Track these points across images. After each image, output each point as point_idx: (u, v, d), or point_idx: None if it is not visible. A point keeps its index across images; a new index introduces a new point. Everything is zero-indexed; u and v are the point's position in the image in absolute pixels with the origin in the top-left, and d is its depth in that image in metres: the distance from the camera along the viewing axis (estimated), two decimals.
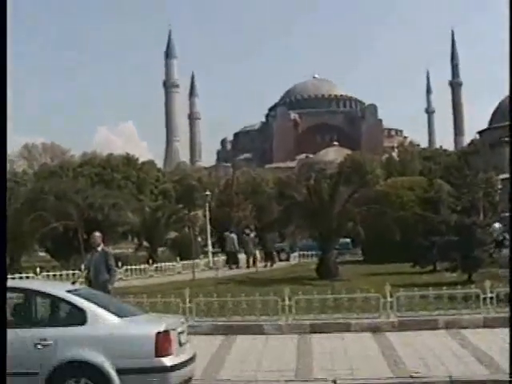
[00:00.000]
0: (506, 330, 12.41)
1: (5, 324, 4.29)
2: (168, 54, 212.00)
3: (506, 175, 68.20)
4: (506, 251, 28.78)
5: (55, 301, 8.62)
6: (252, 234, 38.62)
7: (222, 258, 39.13)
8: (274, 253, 38.44)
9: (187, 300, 14.14)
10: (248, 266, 34.93)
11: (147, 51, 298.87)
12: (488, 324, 13.02)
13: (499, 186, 55.68)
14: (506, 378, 8.95)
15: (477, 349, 10.92)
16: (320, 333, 12.96)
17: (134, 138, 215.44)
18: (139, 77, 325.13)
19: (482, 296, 13.53)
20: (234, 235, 38.08)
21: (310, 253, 38.66)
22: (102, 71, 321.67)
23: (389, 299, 13.60)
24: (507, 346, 10.99)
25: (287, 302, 13.74)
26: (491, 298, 13.52)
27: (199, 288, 18.70)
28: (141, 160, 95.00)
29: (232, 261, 36.33)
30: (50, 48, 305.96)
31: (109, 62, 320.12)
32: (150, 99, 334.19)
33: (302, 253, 40.81)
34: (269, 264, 36.24)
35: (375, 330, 13.07)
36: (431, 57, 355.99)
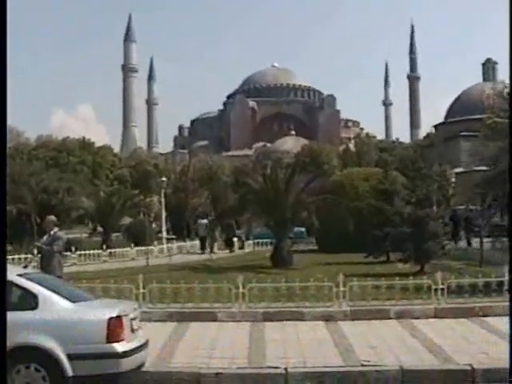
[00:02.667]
0: (456, 321, 12.68)
1: (5, 322, 4.20)
2: (127, 38, 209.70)
3: (461, 169, 69.37)
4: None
5: (5, 285, 8.48)
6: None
7: (177, 244, 39.08)
8: (235, 239, 38.92)
9: (140, 286, 14.03)
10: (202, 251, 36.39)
11: (108, 34, 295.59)
12: (439, 315, 13.21)
13: (453, 180, 56.47)
14: (454, 367, 9.10)
15: (427, 339, 11.06)
16: (273, 321, 13.00)
17: (91, 121, 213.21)
18: (99, 59, 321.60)
19: (433, 287, 13.69)
20: (205, 221, 38.84)
21: (264, 241, 38.79)
22: (60, 53, 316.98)
23: (341, 288, 13.70)
24: (457, 336, 11.22)
25: (241, 290, 13.73)
26: (442, 289, 13.70)
27: (153, 274, 18.59)
28: (98, 144, 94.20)
29: (203, 246, 37.25)
30: (9, 30, 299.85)
31: (69, 43, 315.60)
32: (108, 82, 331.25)
33: (256, 241, 40.89)
34: (228, 251, 37.05)
35: (328, 318, 13.15)
36: (391, 49, 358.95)
